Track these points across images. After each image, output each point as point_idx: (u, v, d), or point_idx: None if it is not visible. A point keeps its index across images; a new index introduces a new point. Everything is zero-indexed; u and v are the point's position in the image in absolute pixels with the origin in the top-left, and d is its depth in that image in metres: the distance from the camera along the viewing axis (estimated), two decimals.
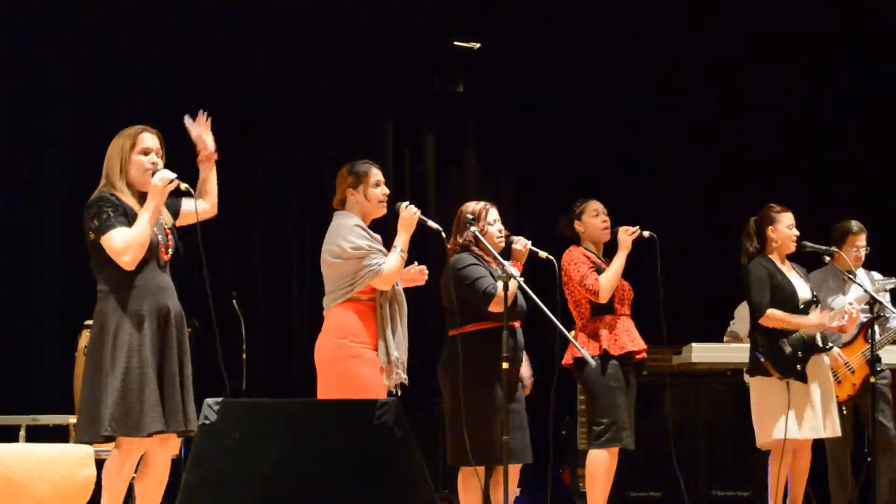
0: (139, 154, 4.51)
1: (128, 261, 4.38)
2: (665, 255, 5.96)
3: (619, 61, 8.96)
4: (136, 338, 4.36)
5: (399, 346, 5.05)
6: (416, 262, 5.27)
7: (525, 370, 5.52)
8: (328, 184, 5.27)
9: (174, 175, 4.47)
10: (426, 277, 5.31)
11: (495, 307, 5.20)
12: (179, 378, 4.46)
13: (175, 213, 4.68)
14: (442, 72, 9.00)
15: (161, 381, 4.40)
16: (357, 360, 4.98)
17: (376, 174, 5.19)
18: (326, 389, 5.02)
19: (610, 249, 6.01)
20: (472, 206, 5.48)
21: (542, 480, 6.01)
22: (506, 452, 4.97)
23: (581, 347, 5.43)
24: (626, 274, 5.90)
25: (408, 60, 8.84)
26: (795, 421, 5.92)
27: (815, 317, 5.99)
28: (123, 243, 4.36)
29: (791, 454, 6.01)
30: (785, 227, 6.14)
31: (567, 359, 5.84)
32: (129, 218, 4.41)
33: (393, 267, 5.02)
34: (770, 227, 6.15)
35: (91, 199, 4.46)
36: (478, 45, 8.84)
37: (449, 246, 5.45)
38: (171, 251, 4.54)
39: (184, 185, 4.51)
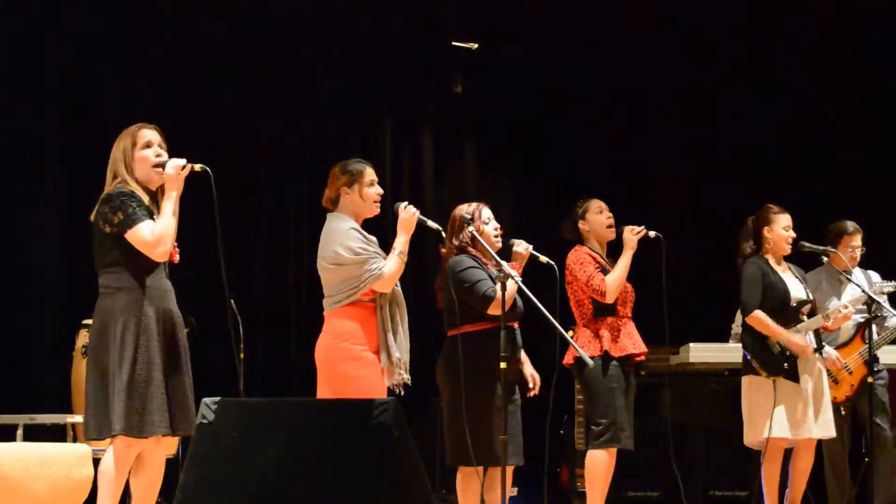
0: (142, 149, 4.48)
1: (161, 252, 4.35)
2: (664, 255, 5.95)
3: (618, 61, 8.95)
4: (143, 339, 4.34)
5: (401, 347, 5.06)
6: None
7: (528, 368, 5.51)
8: (326, 184, 5.26)
9: (184, 160, 4.43)
10: None
11: (494, 310, 5.19)
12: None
13: None
14: (440, 72, 8.99)
15: (168, 384, 4.38)
16: (357, 362, 4.98)
17: (371, 173, 5.19)
18: (326, 391, 5.01)
19: (613, 250, 6.01)
20: (464, 208, 5.47)
21: (540, 481, 6.00)
22: (504, 452, 4.97)
23: (580, 348, 5.43)
24: (627, 275, 5.89)
25: (406, 60, 8.84)
26: (785, 420, 5.92)
27: (798, 338, 5.97)
28: (155, 235, 4.32)
29: (781, 454, 6.00)
30: (781, 228, 6.13)
31: (567, 359, 5.85)
32: (148, 214, 4.38)
33: (393, 270, 5.03)
34: (766, 228, 6.16)
35: (109, 192, 4.40)
36: (476, 45, 8.83)
37: (444, 250, 5.45)
38: (178, 256, 4.53)
39: (198, 166, 4.46)
